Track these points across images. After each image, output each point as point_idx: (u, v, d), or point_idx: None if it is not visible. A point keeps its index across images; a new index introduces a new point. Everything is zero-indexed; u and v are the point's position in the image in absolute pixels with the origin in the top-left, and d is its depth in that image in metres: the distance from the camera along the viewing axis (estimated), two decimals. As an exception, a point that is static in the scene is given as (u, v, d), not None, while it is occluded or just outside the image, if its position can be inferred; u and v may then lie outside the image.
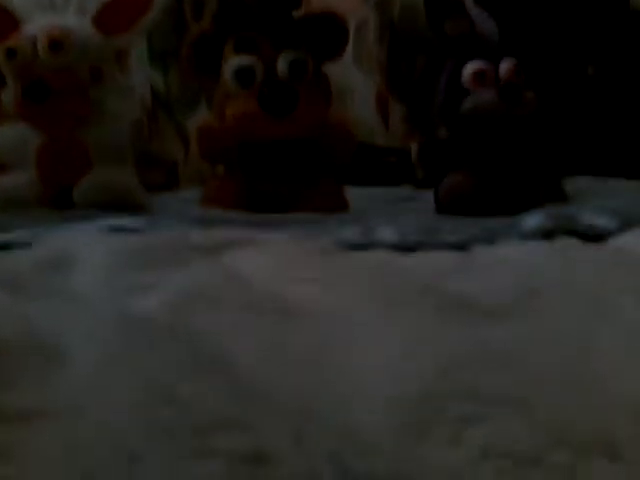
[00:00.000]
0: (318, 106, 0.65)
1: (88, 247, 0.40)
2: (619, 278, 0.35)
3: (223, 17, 0.68)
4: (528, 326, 0.28)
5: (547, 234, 0.50)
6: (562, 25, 1.35)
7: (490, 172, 0.65)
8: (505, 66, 0.66)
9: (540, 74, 0.75)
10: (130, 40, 0.71)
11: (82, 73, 0.64)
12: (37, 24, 0.65)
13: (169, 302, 0.31)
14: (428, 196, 0.68)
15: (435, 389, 0.21)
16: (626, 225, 0.52)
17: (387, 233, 0.49)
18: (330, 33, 0.67)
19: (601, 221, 0.53)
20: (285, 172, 0.67)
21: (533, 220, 0.52)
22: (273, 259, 0.39)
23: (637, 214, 0.56)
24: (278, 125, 0.62)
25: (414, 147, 0.71)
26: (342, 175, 0.72)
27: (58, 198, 0.63)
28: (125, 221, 0.53)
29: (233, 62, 0.63)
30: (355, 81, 1.31)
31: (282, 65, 0.63)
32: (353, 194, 0.72)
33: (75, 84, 0.63)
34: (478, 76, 0.66)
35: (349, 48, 1.29)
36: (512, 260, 0.42)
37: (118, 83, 0.70)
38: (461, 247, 0.46)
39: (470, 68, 0.66)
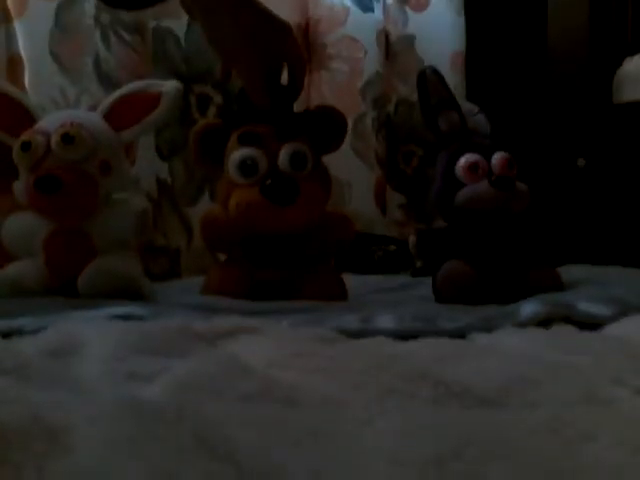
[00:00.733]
0: (318, 197, 0.67)
1: (92, 335, 0.41)
2: (616, 367, 0.35)
3: (227, 111, 0.71)
4: (525, 414, 0.28)
5: (544, 322, 0.50)
6: (552, 119, 1.40)
7: (486, 261, 0.67)
8: (497, 159, 0.69)
9: (532, 166, 0.78)
10: (138, 134, 0.73)
11: (92, 167, 0.66)
12: (51, 119, 0.68)
13: (171, 390, 0.31)
14: (426, 284, 0.68)
15: (434, 476, 0.21)
16: (622, 312, 0.53)
17: (386, 321, 0.50)
18: (329, 126, 0.70)
19: (597, 309, 0.53)
20: (286, 261, 0.68)
21: (530, 308, 0.53)
22: (274, 347, 0.40)
23: (633, 301, 0.56)
24: (280, 215, 0.64)
25: (411, 236, 0.72)
26: (341, 263, 0.73)
27: (64, 286, 0.64)
28: (128, 309, 0.54)
29: (237, 154, 0.66)
30: (354, 172, 1.35)
31: (284, 157, 0.66)
32: (352, 282, 0.73)
33: (85, 178, 0.65)
34: (471, 169, 0.68)
35: (348, 141, 1.34)
36: (509, 348, 0.42)
37: (125, 175, 0.72)
38: (459, 335, 0.47)
39: (463, 161, 0.68)
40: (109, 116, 0.68)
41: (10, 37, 0.96)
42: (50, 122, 0.67)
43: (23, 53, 0.96)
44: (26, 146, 0.65)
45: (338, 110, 0.73)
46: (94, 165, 0.66)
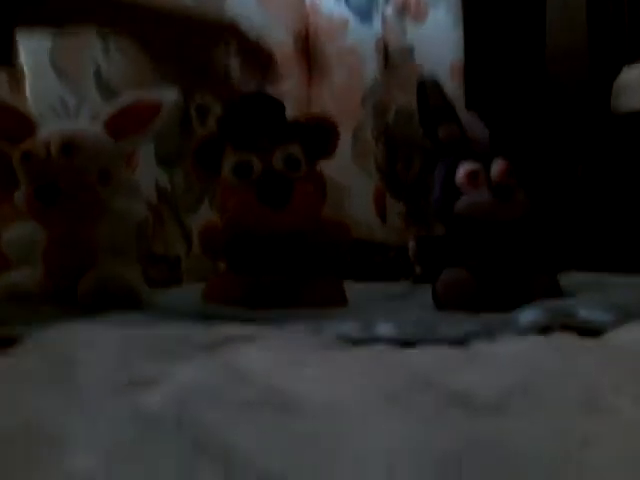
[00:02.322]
0: (312, 199, 0.67)
1: (91, 342, 0.41)
2: (616, 375, 0.35)
3: (225, 122, 0.72)
4: (525, 422, 0.28)
5: (544, 329, 0.50)
6: (550, 128, 1.41)
7: (486, 268, 0.67)
8: (496, 167, 0.69)
9: (531, 175, 0.78)
10: (139, 144, 0.74)
11: (91, 175, 0.66)
12: (51, 129, 0.68)
13: (171, 397, 0.31)
14: (426, 291, 0.68)
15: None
16: (623, 319, 0.53)
17: (386, 328, 0.50)
18: (321, 134, 0.71)
19: (597, 315, 0.53)
20: (284, 267, 0.68)
21: (530, 315, 0.53)
22: (274, 355, 0.39)
23: (633, 309, 0.56)
24: (275, 215, 0.65)
25: (411, 243, 0.72)
26: (341, 271, 0.73)
27: (63, 294, 0.64)
28: (128, 317, 0.54)
29: (232, 158, 0.67)
30: (354, 180, 1.35)
31: (278, 160, 0.67)
32: (352, 289, 0.72)
33: (85, 186, 0.65)
34: (471, 177, 0.68)
35: (348, 149, 1.35)
36: (510, 355, 0.42)
37: (125, 184, 0.72)
38: (460, 342, 0.47)
39: (463, 169, 0.68)
40: (109, 125, 0.69)
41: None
42: (50, 132, 0.68)
43: (24, 63, 0.97)
44: (26, 156, 0.65)
45: (329, 118, 0.74)
46: (94, 174, 0.66)
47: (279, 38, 1.30)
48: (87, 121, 0.88)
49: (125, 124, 0.69)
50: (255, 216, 0.65)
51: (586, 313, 0.53)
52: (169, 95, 0.71)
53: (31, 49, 0.97)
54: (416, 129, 1.43)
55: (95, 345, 0.40)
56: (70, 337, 0.43)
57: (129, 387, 0.33)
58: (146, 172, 1.03)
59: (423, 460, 0.22)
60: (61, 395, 0.31)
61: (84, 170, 0.66)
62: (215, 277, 0.72)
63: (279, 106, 0.71)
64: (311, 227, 0.68)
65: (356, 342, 0.46)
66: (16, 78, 0.96)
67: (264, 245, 0.68)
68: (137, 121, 0.69)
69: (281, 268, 0.68)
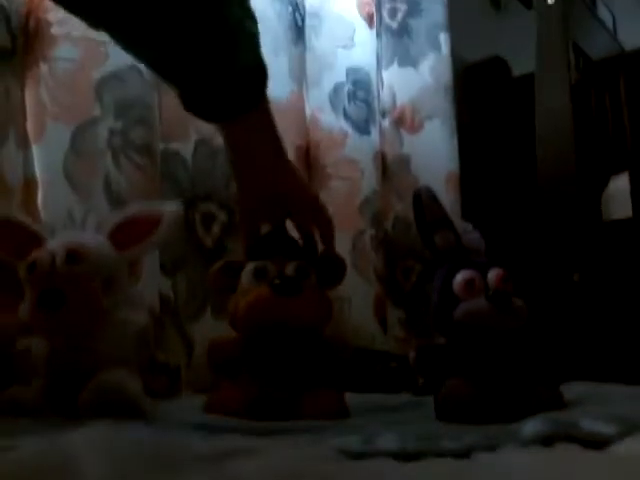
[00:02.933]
0: (320, 297, 0.74)
1: (90, 453, 0.40)
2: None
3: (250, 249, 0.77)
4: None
5: (546, 440, 0.50)
6: (545, 236, 1.44)
7: (487, 378, 0.66)
8: (493, 274, 0.70)
9: (528, 282, 0.79)
10: (140, 254, 0.75)
11: (96, 284, 0.67)
12: (57, 240, 0.70)
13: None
14: (428, 402, 0.68)
15: None
16: (626, 432, 0.52)
17: (388, 441, 0.49)
18: (330, 267, 0.78)
19: (601, 427, 0.53)
20: (287, 379, 0.69)
21: (532, 426, 0.52)
22: (274, 468, 0.39)
23: (637, 420, 0.56)
24: (286, 304, 0.70)
25: (411, 352, 0.72)
26: (342, 381, 0.73)
27: (64, 405, 0.64)
28: (128, 428, 0.53)
29: (250, 265, 0.74)
30: (354, 288, 1.36)
31: (290, 267, 0.73)
32: (354, 401, 0.72)
33: (89, 294, 0.66)
34: (468, 285, 0.69)
35: (348, 257, 1.37)
36: (512, 467, 0.42)
37: (128, 293, 0.73)
38: (462, 454, 0.46)
39: (460, 277, 0.70)
40: (112, 236, 0.71)
41: (27, 161, 1.00)
42: (55, 242, 0.69)
43: (39, 175, 1.00)
44: (32, 266, 0.66)
45: (339, 255, 0.81)
46: (98, 283, 0.67)
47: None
48: (91, 232, 0.91)
49: (128, 235, 0.71)
50: (269, 304, 0.70)
51: (589, 424, 0.53)
52: (172, 207, 0.73)
53: (46, 162, 1.01)
54: (414, 237, 1.47)
55: (94, 457, 0.40)
56: (69, 448, 0.42)
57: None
58: (150, 280, 1.04)
59: None
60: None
61: (88, 278, 0.67)
62: (217, 389, 0.72)
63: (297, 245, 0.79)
64: (321, 323, 0.73)
65: (357, 456, 0.45)
66: (30, 190, 1.00)
67: (277, 338, 0.70)
68: (140, 232, 0.71)
69: (285, 381, 0.69)
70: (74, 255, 0.67)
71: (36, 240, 0.70)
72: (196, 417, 0.67)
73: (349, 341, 0.78)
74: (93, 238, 0.72)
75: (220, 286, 0.77)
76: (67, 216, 0.99)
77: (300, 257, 0.76)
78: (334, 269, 0.78)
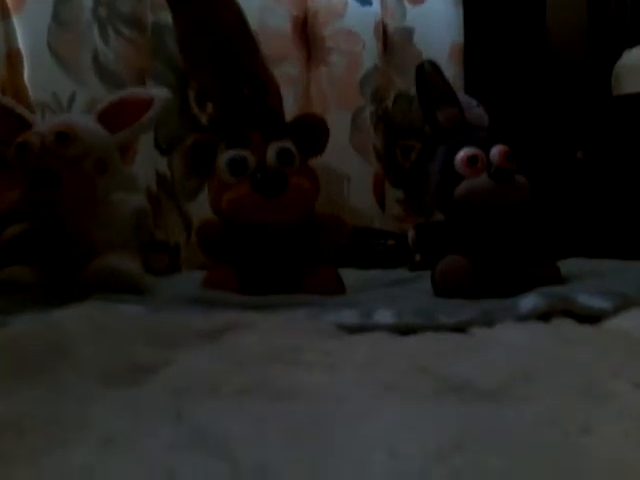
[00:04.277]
0: (306, 189, 0.67)
1: (91, 329, 0.41)
2: (615, 361, 0.35)
3: (216, 121, 0.73)
4: (525, 408, 0.28)
5: (543, 315, 0.50)
6: (550, 112, 1.40)
7: (486, 254, 0.66)
8: (496, 151, 0.68)
9: (531, 159, 0.78)
10: (131, 136, 0.74)
11: (88, 165, 0.66)
12: (45, 122, 0.70)
13: (169, 385, 0.31)
14: (425, 278, 0.68)
15: (435, 469, 0.21)
16: (622, 306, 0.53)
17: (385, 316, 0.50)
18: (312, 131, 0.71)
19: (597, 302, 0.53)
20: (282, 258, 0.68)
21: (529, 302, 0.53)
22: (272, 342, 0.39)
23: (633, 295, 0.56)
24: (270, 206, 0.64)
25: (410, 230, 0.72)
26: (340, 258, 0.73)
27: (63, 286, 0.64)
28: (128, 304, 0.54)
29: (226, 155, 0.67)
30: (353, 166, 1.34)
31: (271, 154, 0.67)
32: (351, 277, 0.72)
33: (82, 175, 0.65)
34: (470, 161, 0.68)
35: (347, 135, 1.34)
36: (509, 342, 0.42)
37: (122, 175, 0.73)
38: (459, 329, 0.47)
39: (462, 154, 0.68)
40: (103, 119, 0.70)
41: (9, 32, 0.96)
42: (44, 125, 0.69)
43: (22, 48, 0.96)
44: (21, 147, 0.65)
45: (319, 116, 0.74)
46: (90, 164, 0.66)
47: (278, 23, 1.29)
48: (81, 114, 0.90)
49: (118, 117, 0.70)
50: (252, 208, 0.64)
51: (585, 299, 0.53)
52: (160, 91, 0.74)
53: (29, 34, 0.96)
54: (415, 115, 1.43)
55: (95, 333, 0.40)
56: (69, 324, 0.42)
57: (129, 373, 0.33)
58: (146, 159, 1.03)
59: (423, 446, 0.22)
60: (59, 382, 0.31)
61: (80, 159, 0.66)
62: (213, 267, 0.72)
63: (271, 112, 0.71)
64: (305, 219, 0.68)
65: (355, 329, 0.46)
66: (15, 62, 0.96)
67: (260, 237, 0.68)
68: (130, 115, 0.71)
69: (278, 259, 0.68)
70: (64, 135, 0.65)
71: (24, 124, 0.68)
72: (195, 292, 0.67)
73: (347, 220, 0.75)
74: (83, 120, 0.71)
75: (193, 169, 0.71)
76: (57, 90, 0.96)
77: (270, 120, 0.68)
78: (313, 133, 0.71)
